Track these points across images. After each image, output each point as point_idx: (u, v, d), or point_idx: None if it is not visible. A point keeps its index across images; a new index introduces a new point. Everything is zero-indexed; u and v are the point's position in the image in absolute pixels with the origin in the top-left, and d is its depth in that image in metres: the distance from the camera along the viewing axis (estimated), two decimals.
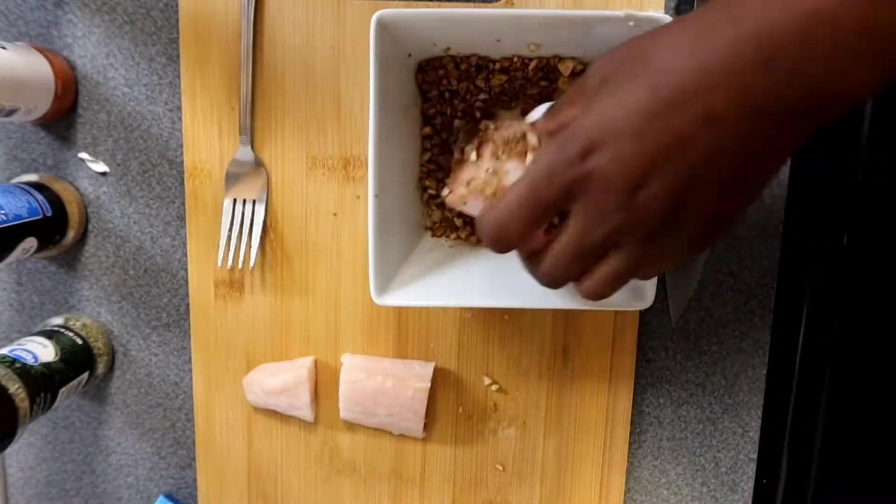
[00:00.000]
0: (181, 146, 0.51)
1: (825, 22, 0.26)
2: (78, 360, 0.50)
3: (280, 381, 0.51)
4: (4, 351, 0.47)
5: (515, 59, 0.44)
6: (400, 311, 0.52)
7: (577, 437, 0.53)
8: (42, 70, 0.47)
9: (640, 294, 0.43)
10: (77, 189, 0.52)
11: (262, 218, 0.51)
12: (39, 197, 0.48)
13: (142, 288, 0.53)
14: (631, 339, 0.52)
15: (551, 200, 0.31)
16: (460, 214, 0.48)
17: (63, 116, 0.51)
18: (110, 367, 0.54)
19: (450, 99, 0.46)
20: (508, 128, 0.39)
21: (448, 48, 0.44)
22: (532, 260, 0.35)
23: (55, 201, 0.49)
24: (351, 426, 0.54)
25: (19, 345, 0.48)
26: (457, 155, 0.42)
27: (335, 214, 0.51)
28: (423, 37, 0.42)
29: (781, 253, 0.51)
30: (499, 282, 0.45)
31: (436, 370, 0.52)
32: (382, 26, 0.40)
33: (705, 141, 0.28)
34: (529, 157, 0.37)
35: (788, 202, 0.50)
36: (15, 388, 0.44)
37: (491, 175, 0.38)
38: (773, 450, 0.53)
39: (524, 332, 0.52)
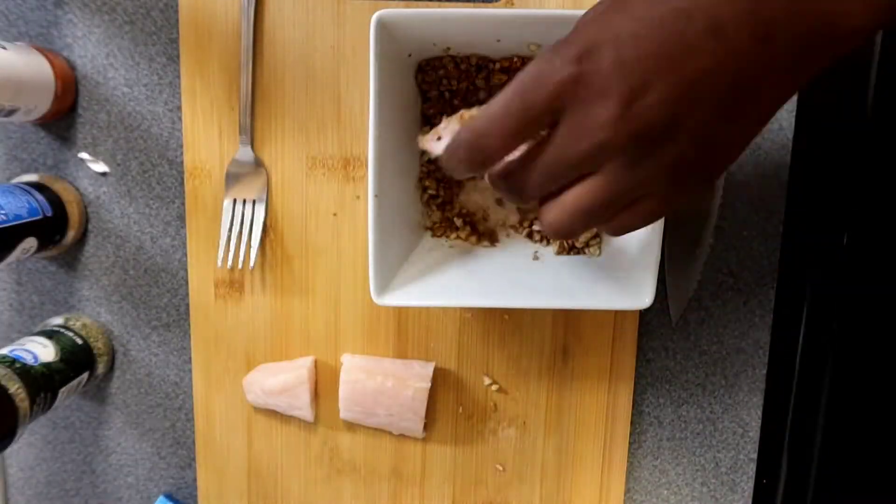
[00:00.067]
0: (181, 146, 0.51)
1: None
2: (78, 360, 0.50)
3: (280, 381, 0.51)
4: (4, 351, 0.47)
5: (515, 59, 0.44)
6: (400, 311, 0.52)
7: (577, 437, 0.53)
8: (42, 70, 0.47)
9: (640, 294, 0.43)
10: (77, 189, 0.52)
11: (262, 218, 0.51)
12: (39, 197, 0.48)
13: (142, 288, 0.53)
14: (631, 339, 0.52)
15: (539, 106, 0.28)
16: (460, 214, 0.48)
17: (63, 116, 0.51)
18: (110, 367, 0.54)
19: (450, 99, 0.46)
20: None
21: (448, 48, 0.44)
22: (507, 178, 0.31)
23: (55, 201, 0.49)
24: (351, 426, 0.54)
25: (19, 345, 0.48)
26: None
27: (335, 214, 0.51)
28: (423, 37, 0.42)
29: (781, 253, 0.51)
30: (499, 282, 0.45)
31: (436, 370, 0.52)
32: (382, 26, 0.40)
33: (709, 53, 0.27)
34: None
35: (788, 202, 0.50)
36: (15, 388, 0.44)
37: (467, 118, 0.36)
38: (773, 450, 0.53)
39: (524, 332, 0.52)
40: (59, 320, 0.53)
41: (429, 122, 0.46)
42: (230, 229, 0.51)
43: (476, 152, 0.30)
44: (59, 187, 0.51)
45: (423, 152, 0.47)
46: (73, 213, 0.51)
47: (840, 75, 0.48)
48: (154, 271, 0.53)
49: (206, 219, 0.51)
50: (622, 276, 0.44)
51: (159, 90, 0.51)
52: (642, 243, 0.43)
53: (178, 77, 0.50)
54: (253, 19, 0.48)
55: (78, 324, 0.53)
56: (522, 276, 0.46)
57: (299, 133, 0.50)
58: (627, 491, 0.55)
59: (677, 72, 0.27)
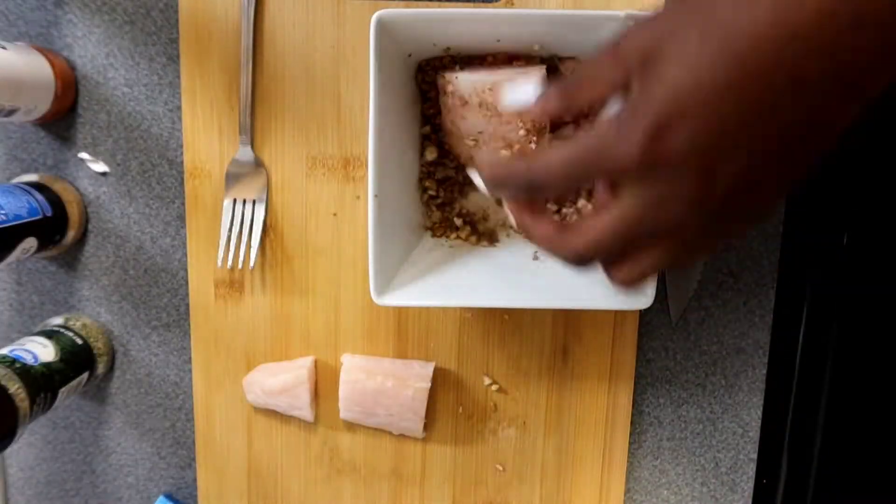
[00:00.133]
0: (181, 146, 0.51)
1: None
2: (78, 360, 0.50)
3: (280, 381, 0.51)
4: (4, 351, 0.47)
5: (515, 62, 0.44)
6: (400, 311, 0.52)
7: (577, 437, 0.53)
8: (42, 70, 0.47)
9: (640, 294, 0.43)
10: (77, 189, 0.52)
11: (262, 218, 0.51)
12: (39, 197, 0.48)
13: (142, 288, 0.53)
14: (631, 339, 0.52)
15: (599, 175, 0.28)
16: (460, 214, 0.48)
17: (63, 116, 0.51)
18: (110, 367, 0.54)
19: None
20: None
21: (448, 48, 0.44)
22: (559, 231, 0.31)
23: (55, 201, 0.49)
24: (351, 426, 0.54)
25: (19, 345, 0.48)
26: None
27: (335, 214, 0.51)
28: (423, 37, 0.42)
29: (781, 253, 0.51)
30: (499, 282, 0.45)
31: (436, 370, 0.52)
32: (382, 26, 0.40)
33: (791, 110, 0.25)
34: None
35: (788, 202, 0.50)
36: (15, 388, 0.44)
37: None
38: (773, 450, 0.53)
39: (524, 332, 0.52)
40: (59, 320, 0.53)
41: (429, 121, 0.46)
42: (230, 229, 0.51)
43: (523, 191, 0.30)
44: (59, 187, 0.51)
45: (423, 152, 0.47)
46: (73, 213, 0.51)
47: None
48: (154, 271, 0.53)
49: (206, 219, 0.51)
50: None
51: (159, 90, 0.51)
52: None
53: (178, 77, 0.50)
54: (253, 19, 0.48)
55: (78, 324, 0.53)
56: (522, 276, 0.46)
57: (299, 133, 0.50)
58: (627, 491, 0.55)
59: (754, 140, 0.25)
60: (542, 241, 0.31)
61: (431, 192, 0.47)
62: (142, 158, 0.52)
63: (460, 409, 0.53)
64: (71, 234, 0.51)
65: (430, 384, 0.51)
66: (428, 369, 0.51)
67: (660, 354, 0.53)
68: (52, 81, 0.48)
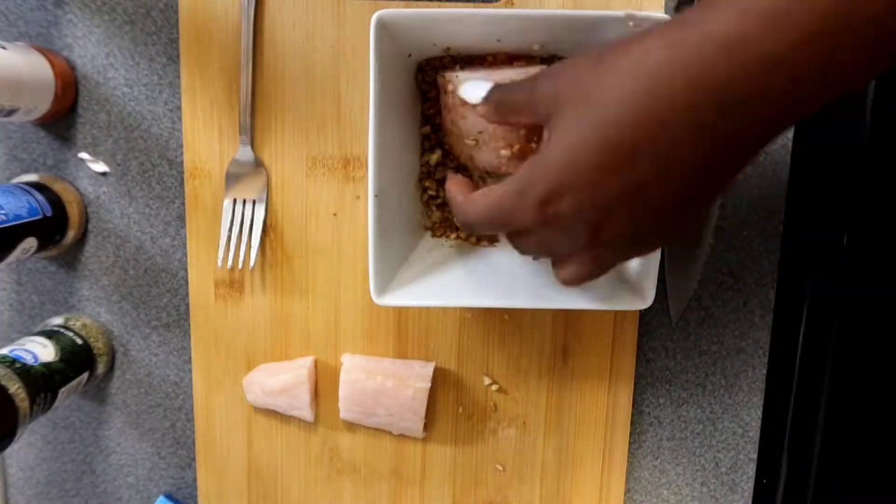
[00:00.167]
0: (181, 146, 0.51)
1: (781, 64, 0.26)
2: (78, 360, 0.50)
3: (280, 381, 0.51)
4: (4, 351, 0.47)
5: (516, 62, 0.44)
6: (400, 311, 0.52)
7: (577, 437, 0.53)
8: (42, 70, 0.47)
9: (640, 294, 0.43)
10: (77, 189, 0.52)
11: (262, 218, 0.51)
12: (39, 197, 0.48)
13: (142, 288, 0.53)
14: (631, 339, 0.52)
15: (509, 229, 0.34)
16: None
17: (63, 116, 0.51)
18: (110, 367, 0.54)
19: None
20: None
21: (448, 48, 0.44)
22: (510, 238, 0.37)
23: (55, 201, 0.49)
24: (351, 426, 0.54)
25: (19, 345, 0.48)
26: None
27: (335, 214, 0.51)
28: (423, 37, 0.42)
29: (781, 253, 0.51)
30: (499, 282, 0.45)
31: (436, 370, 0.52)
32: (382, 26, 0.40)
33: (661, 182, 0.29)
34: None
35: (788, 202, 0.50)
36: (15, 388, 0.44)
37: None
38: (773, 450, 0.53)
39: (524, 332, 0.52)
40: (59, 320, 0.53)
41: (429, 121, 0.46)
42: (230, 229, 0.51)
43: (467, 227, 0.38)
44: (59, 187, 0.51)
45: (423, 153, 0.47)
46: (73, 213, 0.51)
47: None
48: (154, 271, 0.53)
49: (206, 219, 0.51)
50: (622, 276, 0.44)
51: (159, 90, 0.51)
52: None
53: (178, 77, 0.50)
54: (253, 19, 0.48)
55: (78, 324, 0.53)
56: (522, 276, 0.46)
57: (299, 133, 0.50)
58: (627, 491, 0.55)
59: (634, 205, 0.30)
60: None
61: (431, 192, 0.47)
62: (142, 158, 0.52)
63: (460, 409, 0.53)
64: (71, 234, 0.51)
65: (430, 384, 0.51)
66: (428, 369, 0.51)
67: (660, 354, 0.53)
68: (52, 81, 0.48)
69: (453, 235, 0.48)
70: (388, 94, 0.41)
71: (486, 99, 0.38)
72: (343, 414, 0.52)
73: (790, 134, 0.49)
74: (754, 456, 0.54)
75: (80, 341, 0.51)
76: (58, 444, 0.56)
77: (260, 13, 0.49)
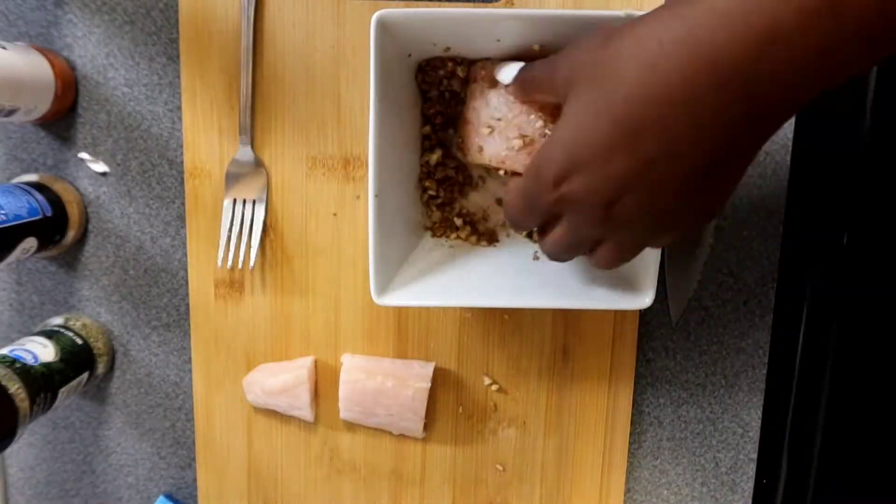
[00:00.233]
0: (181, 146, 0.51)
1: (778, 41, 0.26)
2: (78, 360, 0.50)
3: (280, 381, 0.51)
4: (4, 351, 0.47)
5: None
6: (400, 311, 0.52)
7: (577, 437, 0.53)
8: (42, 70, 0.47)
9: (640, 294, 0.43)
10: (77, 189, 0.52)
11: (262, 218, 0.51)
12: (39, 197, 0.48)
13: (142, 288, 0.53)
14: (631, 339, 0.52)
15: (538, 214, 0.36)
16: (460, 214, 0.48)
17: (63, 116, 0.51)
18: (110, 367, 0.54)
19: (450, 99, 0.46)
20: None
21: (448, 48, 0.44)
22: (540, 235, 0.39)
23: (55, 201, 0.49)
24: (351, 426, 0.54)
25: (19, 345, 0.48)
26: (467, 116, 0.43)
27: (335, 214, 0.51)
28: (423, 37, 0.42)
29: (781, 253, 0.51)
30: (499, 282, 0.45)
31: (436, 370, 0.52)
32: (382, 26, 0.40)
33: (667, 159, 0.30)
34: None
35: (788, 202, 0.50)
36: (15, 388, 0.44)
37: (499, 121, 0.41)
38: (773, 450, 0.53)
39: (524, 332, 0.52)
40: (59, 320, 0.53)
41: (429, 121, 0.46)
42: (230, 229, 0.51)
43: (514, 225, 0.39)
44: (59, 187, 0.51)
45: (423, 153, 0.47)
46: (73, 213, 0.51)
47: None
48: (154, 271, 0.53)
49: (206, 219, 0.51)
50: (622, 276, 0.44)
51: (159, 90, 0.51)
52: None
53: (178, 77, 0.50)
54: (253, 19, 0.48)
55: (78, 324, 0.53)
56: (522, 276, 0.46)
57: (299, 133, 0.50)
58: (627, 491, 0.55)
59: (640, 181, 0.31)
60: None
61: (431, 192, 0.47)
62: (142, 158, 0.52)
63: (460, 409, 0.53)
64: (71, 234, 0.51)
65: (430, 384, 0.51)
66: (428, 369, 0.51)
67: (660, 354, 0.53)
68: (52, 81, 0.48)
69: (453, 235, 0.48)
70: (388, 94, 0.41)
71: (515, 77, 0.40)
72: (343, 414, 0.52)
73: (790, 134, 0.49)
74: (754, 456, 0.54)
75: (80, 341, 0.51)
76: (58, 444, 0.56)
77: (260, 13, 0.49)
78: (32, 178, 0.51)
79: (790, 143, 0.49)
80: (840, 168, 0.49)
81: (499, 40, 0.42)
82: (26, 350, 0.47)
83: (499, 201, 0.48)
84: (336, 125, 0.50)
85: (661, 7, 0.30)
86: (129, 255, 0.53)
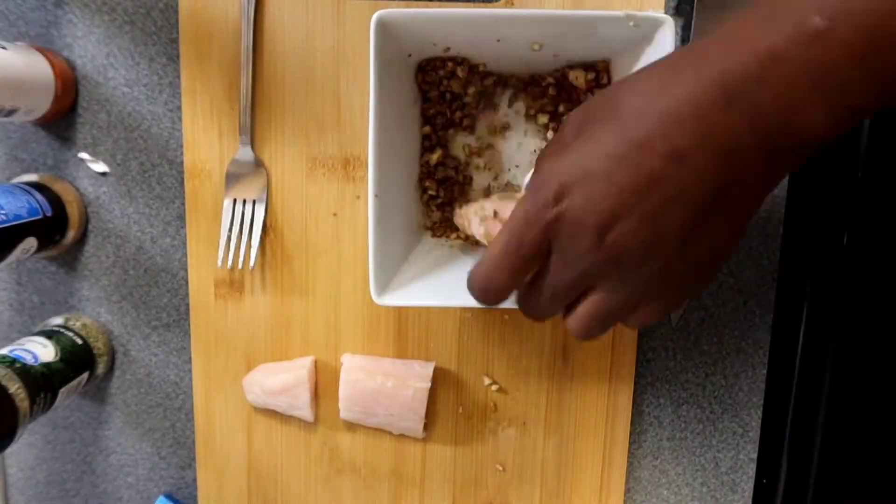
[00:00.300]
0: (181, 146, 0.51)
1: (778, 61, 0.27)
2: (78, 360, 0.50)
3: (280, 381, 0.51)
4: (4, 351, 0.47)
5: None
6: (400, 311, 0.52)
7: (577, 437, 0.53)
8: (42, 70, 0.47)
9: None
10: (77, 189, 0.52)
11: (262, 218, 0.51)
12: (39, 197, 0.48)
13: (142, 288, 0.53)
14: (631, 339, 0.52)
15: (531, 245, 0.32)
16: None
17: (63, 116, 0.51)
18: (110, 367, 0.54)
19: (450, 100, 0.46)
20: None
21: (448, 48, 0.44)
22: (525, 305, 0.36)
23: (55, 201, 0.49)
24: (351, 426, 0.54)
25: (19, 345, 0.48)
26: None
27: (335, 214, 0.51)
28: (423, 37, 0.42)
29: (781, 253, 0.51)
30: None
31: (436, 370, 0.52)
32: (382, 26, 0.40)
33: (673, 179, 0.29)
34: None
35: (788, 202, 0.50)
36: (15, 388, 0.44)
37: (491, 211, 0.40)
38: (773, 450, 0.53)
39: (524, 332, 0.52)
40: (59, 320, 0.53)
41: (429, 121, 0.46)
42: (230, 229, 0.51)
43: (487, 293, 0.34)
44: (59, 187, 0.51)
45: (423, 153, 0.47)
46: (73, 213, 0.51)
47: None
48: (154, 271, 0.53)
49: (206, 219, 0.51)
50: None
51: (159, 90, 0.51)
52: None
53: (178, 77, 0.50)
54: (253, 19, 0.48)
55: (78, 324, 0.53)
56: None
57: (299, 133, 0.50)
58: (627, 491, 0.55)
59: (643, 202, 0.29)
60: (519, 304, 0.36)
61: (431, 192, 0.47)
62: (142, 158, 0.52)
63: (460, 409, 0.53)
64: (71, 234, 0.51)
65: (430, 384, 0.51)
66: (428, 369, 0.51)
67: (660, 354, 0.53)
68: (52, 81, 0.48)
69: (453, 235, 0.48)
70: (388, 94, 0.41)
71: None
72: (343, 414, 0.52)
73: None
74: (754, 456, 0.54)
75: (80, 341, 0.51)
76: (58, 444, 0.56)
77: (260, 13, 0.49)
78: (32, 178, 0.51)
79: None
80: (840, 168, 0.49)
81: (499, 40, 0.42)
82: (26, 350, 0.47)
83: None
84: (336, 125, 0.50)
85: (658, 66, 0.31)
86: (129, 255, 0.53)
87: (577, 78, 0.44)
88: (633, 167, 0.29)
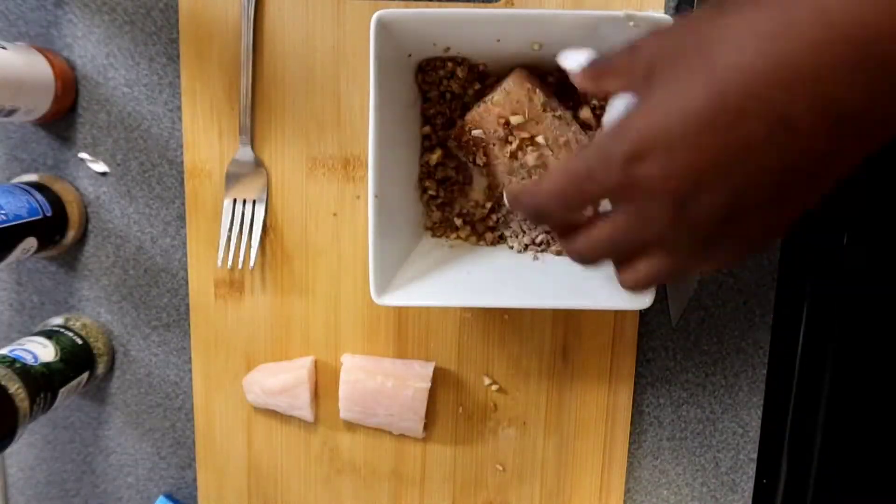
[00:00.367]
0: (181, 146, 0.51)
1: None
2: (78, 360, 0.50)
3: (280, 381, 0.51)
4: (4, 351, 0.47)
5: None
6: (400, 311, 0.52)
7: (577, 437, 0.53)
8: (42, 70, 0.47)
9: (640, 294, 0.43)
10: (77, 189, 0.52)
11: (262, 218, 0.51)
12: (39, 197, 0.48)
13: (142, 288, 0.53)
14: (631, 339, 0.52)
15: (593, 197, 0.30)
16: (460, 214, 0.48)
17: (63, 116, 0.51)
18: (110, 367, 0.54)
19: (450, 100, 0.46)
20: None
21: (448, 48, 0.44)
22: (566, 233, 0.33)
23: (55, 201, 0.49)
24: (351, 426, 0.54)
25: (19, 345, 0.48)
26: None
27: (335, 214, 0.51)
28: (423, 37, 0.42)
29: (781, 253, 0.51)
30: (499, 282, 0.45)
31: (436, 370, 0.52)
32: (382, 26, 0.40)
33: (773, 149, 0.25)
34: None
35: None
36: (15, 388, 0.44)
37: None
38: (773, 450, 0.53)
39: (524, 332, 0.52)
40: (59, 320, 0.53)
41: (429, 121, 0.46)
42: (230, 229, 0.51)
43: (535, 212, 0.32)
44: (59, 187, 0.51)
45: (423, 153, 0.47)
46: (73, 213, 0.51)
47: None
48: (154, 271, 0.53)
49: (206, 219, 0.51)
50: None
51: (159, 90, 0.51)
52: None
53: (178, 77, 0.50)
54: (253, 19, 0.48)
55: (78, 324, 0.53)
56: (522, 276, 0.46)
57: (299, 133, 0.50)
58: (627, 491, 0.55)
59: (732, 175, 0.26)
60: (557, 239, 0.34)
61: (431, 192, 0.47)
62: (142, 158, 0.52)
63: (460, 409, 0.53)
64: (71, 234, 0.51)
65: (430, 384, 0.51)
66: (428, 369, 0.51)
67: (660, 354, 0.53)
68: (52, 81, 0.48)
69: (453, 235, 0.48)
70: (388, 94, 0.41)
71: (585, 64, 0.34)
72: (343, 414, 0.52)
73: None
74: (754, 456, 0.54)
75: (80, 341, 0.51)
76: (58, 444, 0.56)
77: (260, 13, 0.49)
78: (32, 178, 0.51)
79: None
80: None
81: (499, 40, 0.42)
82: (26, 350, 0.47)
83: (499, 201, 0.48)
84: (336, 125, 0.50)
85: None
86: (129, 255, 0.53)
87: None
88: (726, 132, 0.25)
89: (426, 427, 0.53)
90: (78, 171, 0.52)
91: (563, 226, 0.33)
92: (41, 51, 0.48)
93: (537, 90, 0.42)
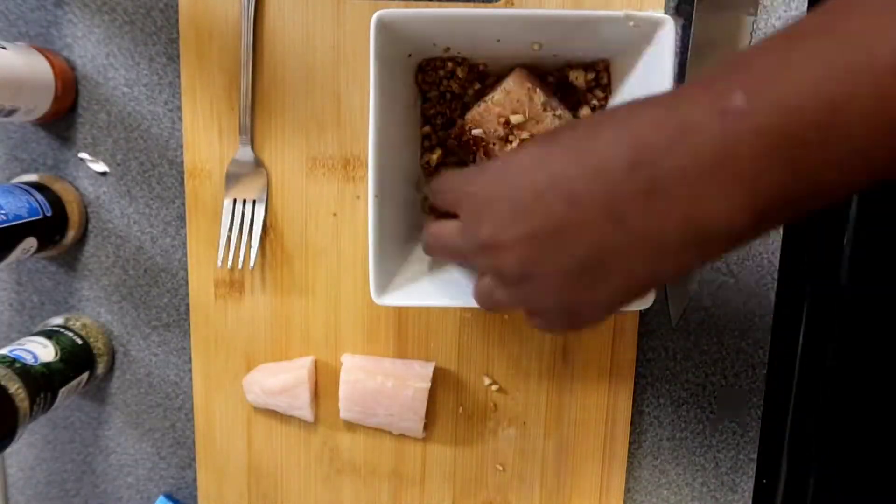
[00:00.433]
0: (181, 146, 0.51)
1: (688, 132, 0.26)
2: (78, 360, 0.50)
3: (280, 381, 0.51)
4: (4, 351, 0.47)
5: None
6: (400, 311, 0.52)
7: (577, 437, 0.53)
8: (42, 70, 0.47)
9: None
10: (77, 189, 0.52)
11: (262, 218, 0.51)
12: (39, 197, 0.48)
13: (142, 288, 0.53)
14: (631, 339, 0.52)
15: (449, 252, 0.38)
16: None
17: (63, 116, 0.51)
18: (110, 367, 0.54)
19: (450, 100, 0.46)
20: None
21: (448, 48, 0.44)
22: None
23: (55, 201, 0.49)
24: (351, 426, 0.54)
25: (19, 345, 0.48)
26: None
27: (335, 214, 0.51)
28: (423, 37, 0.42)
29: (781, 253, 0.51)
30: None
31: (436, 370, 0.52)
32: (382, 26, 0.40)
33: (560, 217, 0.29)
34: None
35: None
36: (15, 388, 0.44)
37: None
38: (773, 450, 0.53)
39: (524, 332, 0.52)
40: (59, 320, 0.53)
41: (429, 121, 0.46)
42: (230, 229, 0.51)
43: (431, 251, 0.41)
44: (59, 187, 0.51)
45: (423, 153, 0.47)
46: (73, 213, 0.51)
47: None
48: (154, 271, 0.53)
49: (206, 219, 0.51)
50: None
51: (159, 90, 0.51)
52: None
53: (178, 77, 0.50)
54: (253, 19, 0.48)
55: (78, 324, 0.53)
56: None
57: (299, 133, 0.50)
58: (627, 491, 0.55)
59: (526, 225, 0.30)
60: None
61: None
62: (142, 158, 0.52)
63: (460, 409, 0.53)
64: (71, 234, 0.51)
65: (430, 384, 0.51)
66: (428, 369, 0.51)
67: (660, 354, 0.53)
68: (52, 81, 0.48)
69: None
70: (388, 94, 0.41)
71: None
72: (343, 414, 0.52)
73: None
74: (754, 456, 0.54)
75: (80, 341, 0.51)
76: (58, 444, 0.56)
77: (260, 13, 0.49)
78: (32, 178, 0.51)
79: None
80: None
81: (499, 40, 0.42)
82: (26, 350, 0.47)
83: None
84: (336, 125, 0.50)
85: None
86: (129, 255, 0.53)
87: (577, 78, 0.44)
88: (527, 198, 0.30)
89: (426, 427, 0.53)
90: (78, 171, 0.52)
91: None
92: (41, 51, 0.48)
93: (537, 90, 0.42)
